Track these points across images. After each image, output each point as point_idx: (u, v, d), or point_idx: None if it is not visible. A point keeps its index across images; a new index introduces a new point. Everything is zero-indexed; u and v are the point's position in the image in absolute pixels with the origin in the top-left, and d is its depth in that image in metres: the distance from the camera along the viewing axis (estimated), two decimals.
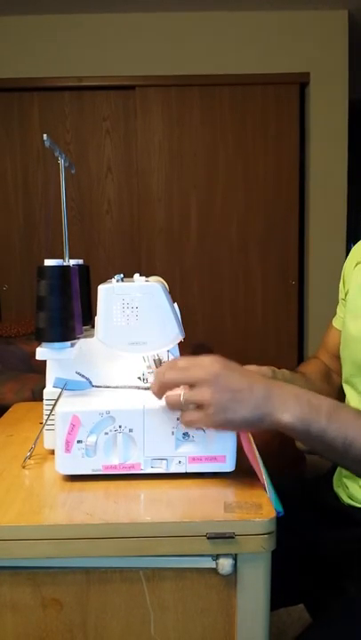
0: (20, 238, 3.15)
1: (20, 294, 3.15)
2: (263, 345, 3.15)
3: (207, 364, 0.71)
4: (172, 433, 0.76)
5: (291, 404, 0.71)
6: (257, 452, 0.76)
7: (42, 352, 0.81)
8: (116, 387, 0.85)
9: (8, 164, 3.10)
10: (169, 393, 0.73)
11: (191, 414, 0.71)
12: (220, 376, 0.70)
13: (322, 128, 3.05)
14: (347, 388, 1.01)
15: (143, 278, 0.84)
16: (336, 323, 1.12)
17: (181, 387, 0.73)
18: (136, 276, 0.85)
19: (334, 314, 1.15)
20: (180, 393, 0.72)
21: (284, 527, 0.86)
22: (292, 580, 0.97)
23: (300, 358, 3.23)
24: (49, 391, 0.84)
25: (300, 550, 0.97)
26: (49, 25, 2.96)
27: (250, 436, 0.78)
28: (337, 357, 1.05)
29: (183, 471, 0.77)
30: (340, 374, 1.06)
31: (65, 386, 0.82)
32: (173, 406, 0.73)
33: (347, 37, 2.98)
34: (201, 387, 0.70)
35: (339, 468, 1.03)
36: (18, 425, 1.04)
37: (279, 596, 0.88)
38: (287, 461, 1.13)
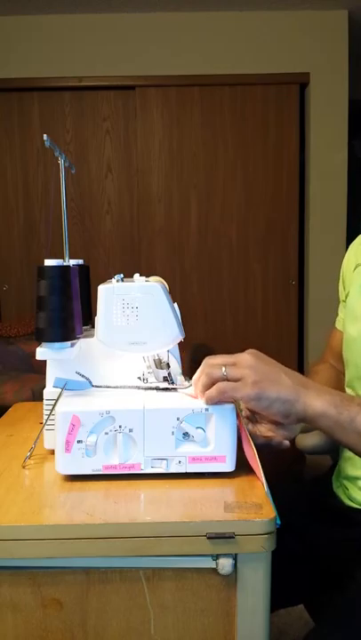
0: (20, 238, 3.15)
1: (20, 294, 3.15)
2: (263, 345, 3.13)
3: (249, 352, 0.77)
4: (172, 433, 0.76)
5: (324, 393, 0.75)
6: (256, 454, 0.76)
7: (42, 352, 0.81)
8: (116, 387, 0.85)
9: (8, 164, 3.10)
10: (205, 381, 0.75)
11: (226, 384, 0.74)
12: (262, 359, 0.76)
13: (322, 128, 3.05)
14: (349, 392, 1.00)
15: (143, 278, 0.84)
16: (338, 324, 1.12)
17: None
18: (136, 276, 0.85)
19: (335, 314, 1.15)
20: (222, 366, 0.75)
21: (283, 528, 0.86)
22: (292, 581, 0.97)
23: (301, 358, 3.23)
24: (49, 391, 0.84)
25: (299, 551, 0.97)
26: (49, 25, 2.96)
27: (249, 436, 0.78)
28: (342, 359, 1.05)
29: (183, 471, 0.77)
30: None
31: (65, 386, 0.82)
32: (215, 379, 0.74)
33: (347, 37, 2.98)
34: (243, 365, 0.75)
35: (338, 469, 1.02)
36: (18, 425, 1.04)
37: (280, 597, 0.88)
38: (287, 461, 1.13)
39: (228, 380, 0.74)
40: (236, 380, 0.74)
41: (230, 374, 0.74)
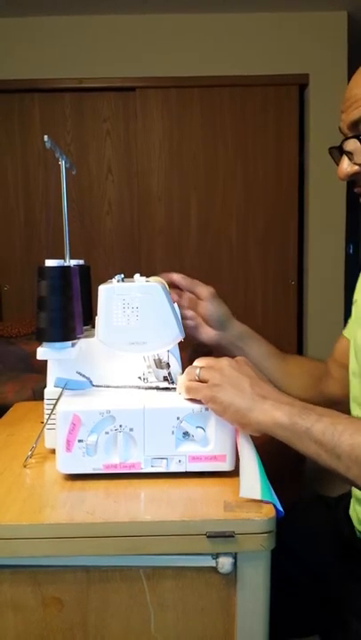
0: (20, 238, 3.15)
1: (20, 294, 3.16)
2: None
3: (234, 358, 0.80)
4: (173, 432, 0.76)
5: (284, 404, 0.73)
6: (255, 453, 0.77)
7: (42, 352, 0.81)
8: (117, 386, 0.86)
9: (9, 165, 3.11)
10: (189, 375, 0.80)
11: (191, 384, 0.78)
12: (238, 366, 0.78)
13: (321, 129, 3.05)
14: (355, 408, 0.94)
15: (143, 278, 0.84)
16: (346, 332, 1.05)
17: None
18: (136, 276, 0.85)
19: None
20: (198, 368, 0.79)
21: (298, 559, 0.87)
22: (306, 611, 0.96)
23: None
24: (50, 391, 0.84)
25: (313, 583, 0.95)
26: (49, 26, 2.97)
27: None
28: (340, 365, 1.01)
29: (183, 470, 0.77)
30: (338, 383, 1.02)
31: (65, 385, 0.82)
32: (189, 379, 0.79)
33: (346, 38, 2.98)
34: (215, 368, 0.78)
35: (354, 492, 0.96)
36: (19, 424, 1.05)
37: (293, 627, 0.88)
38: (287, 461, 1.13)
39: (199, 381, 0.78)
40: (205, 382, 0.77)
41: (201, 376, 0.78)
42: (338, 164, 0.87)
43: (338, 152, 0.87)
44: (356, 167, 0.85)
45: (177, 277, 1.02)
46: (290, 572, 0.95)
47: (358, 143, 0.82)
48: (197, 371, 0.78)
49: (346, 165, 0.86)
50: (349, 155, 0.85)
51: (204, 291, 1.02)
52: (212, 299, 1.02)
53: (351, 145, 0.84)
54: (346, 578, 0.90)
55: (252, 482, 0.71)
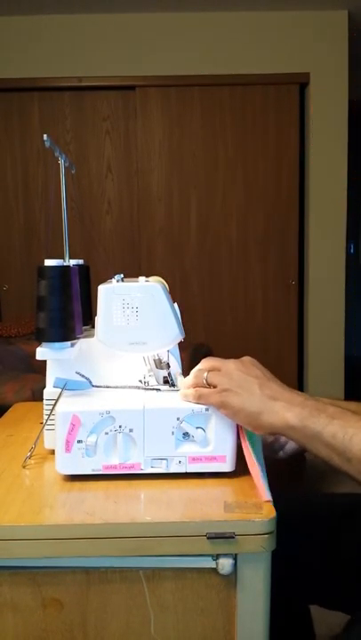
0: (20, 238, 3.15)
1: (20, 294, 3.15)
2: (263, 345, 3.15)
3: (240, 360, 0.78)
4: (172, 433, 0.76)
5: (295, 405, 0.73)
6: (253, 453, 0.76)
7: (42, 352, 0.81)
8: (116, 387, 0.85)
9: (8, 164, 3.10)
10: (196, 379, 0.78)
11: (200, 390, 0.77)
12: (246, 368, 0.77)
13: (322, 128, 3.05)
14: None
15: (143, 278, 0.84)
16: None
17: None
18: (140, 278, 0.85)
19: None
20: (206, 372, 0.78)
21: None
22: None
23: (301, 358, 3.22)
24: (49, 391, 0.84)
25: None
26: (49, 25, 2.96)
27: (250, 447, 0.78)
28: None
29: (183, 471, 0.77)
30: None
31: (65, 386, 0.82)
32: (196, 383, 0.78)
33: (347, 37, 2.98)
34: (223, 372, 0.76)
35: None
36: (18, 425, 1.04)
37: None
38: (287, 461, 1.12)
39: (208, 385, 0.77)
40: (214, 387, 0.76)
41: (209, 380, 0.77)
42: None
43: None
44: None
45: None
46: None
47: None
48: (205, 375, 0.77)
49: None
50: None
51: None
52: None
53: None
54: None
55: (264, 482, 0.72)
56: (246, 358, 0.79)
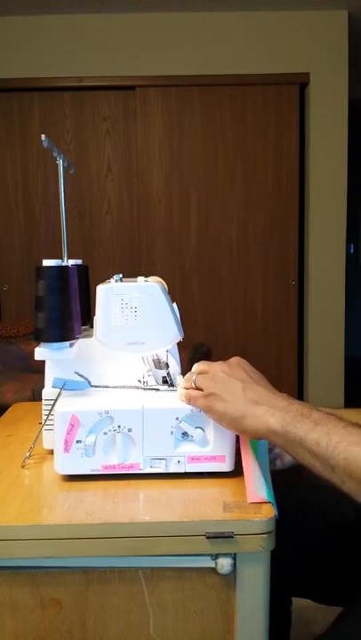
0: (20, 238, 3.15)
1: (20, 294, 3.15)
2: (263, 345, 3.15)
3: (228, 361, 0.78)
4: (171, 433, 0.76)
5: (277, 410, 0.71)
6: (253, 455, 0.76)
7: (41, 352, 0.81)
8: (115, 387, 0.85)
9: (8, 165, 3.10)
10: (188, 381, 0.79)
11: (189, 392, 0.77)
12: (233, 370, 0.76)
13: (322, 128, 3.04)
14: None
15: (142, 278, 0.84)
16: None
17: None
18: (140, 278, 0.85)
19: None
20: (195, 375, 0.78)
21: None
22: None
23: (300, 358, 3.22)
24: (48, 391, 0.84)
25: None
26: (49, 25, 2.96)
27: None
28: None
29: (182, 471, 0.77)
30: None
31: (64, 386, 0.82)
32: (187, 386, 0.78)
33: (347, 37, 2.98)
34: (210, 375, 0.76)
35: None
36: (17, 425, 1.04)
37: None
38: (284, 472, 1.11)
39: (196, 388, 0.77)
40: (201, 390, 0.76)
41: (197, 383, 0.77)
42: None
43: None
44: None
45: None
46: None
47: None
48: (194, 377, 0.77)
49: None
50: None
51: None
52: None
53: None
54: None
55: (258, 484, 0.71)
56: (234, 359, 0.78)
